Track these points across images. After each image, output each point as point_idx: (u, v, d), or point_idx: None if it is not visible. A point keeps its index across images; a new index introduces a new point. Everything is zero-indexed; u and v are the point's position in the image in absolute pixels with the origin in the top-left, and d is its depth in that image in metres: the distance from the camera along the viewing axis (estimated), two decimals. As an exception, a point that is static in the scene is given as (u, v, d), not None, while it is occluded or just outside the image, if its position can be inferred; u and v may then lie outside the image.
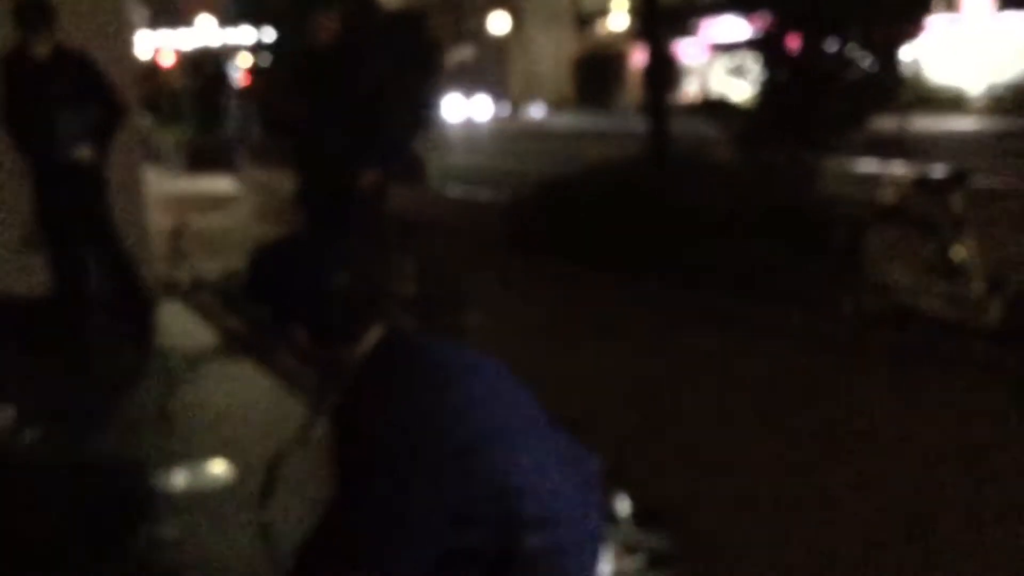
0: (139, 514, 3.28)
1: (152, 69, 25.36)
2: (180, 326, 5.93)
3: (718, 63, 7.58)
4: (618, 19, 39.31)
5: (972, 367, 4.77)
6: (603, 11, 40.37)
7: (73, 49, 5.20)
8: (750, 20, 7.11)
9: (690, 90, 35.11)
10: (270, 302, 1.94)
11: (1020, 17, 29.47)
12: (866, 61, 6.83)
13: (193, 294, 6.41)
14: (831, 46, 6.77)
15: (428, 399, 1.79)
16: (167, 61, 24.91)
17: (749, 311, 5.94)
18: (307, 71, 5.09)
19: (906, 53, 7.09)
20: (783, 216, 6.11)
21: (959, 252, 4.89)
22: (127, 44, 6.87)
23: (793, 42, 6.85)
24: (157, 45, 26.43)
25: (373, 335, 1.90)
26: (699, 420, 4.25)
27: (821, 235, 5.73)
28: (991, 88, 28.95)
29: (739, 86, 7.40)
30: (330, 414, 1.93)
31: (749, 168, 7.09)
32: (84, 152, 5.07)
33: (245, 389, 4.79)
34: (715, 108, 7.78)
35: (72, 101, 5.05)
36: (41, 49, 5.01)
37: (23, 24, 4.97)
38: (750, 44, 7.19)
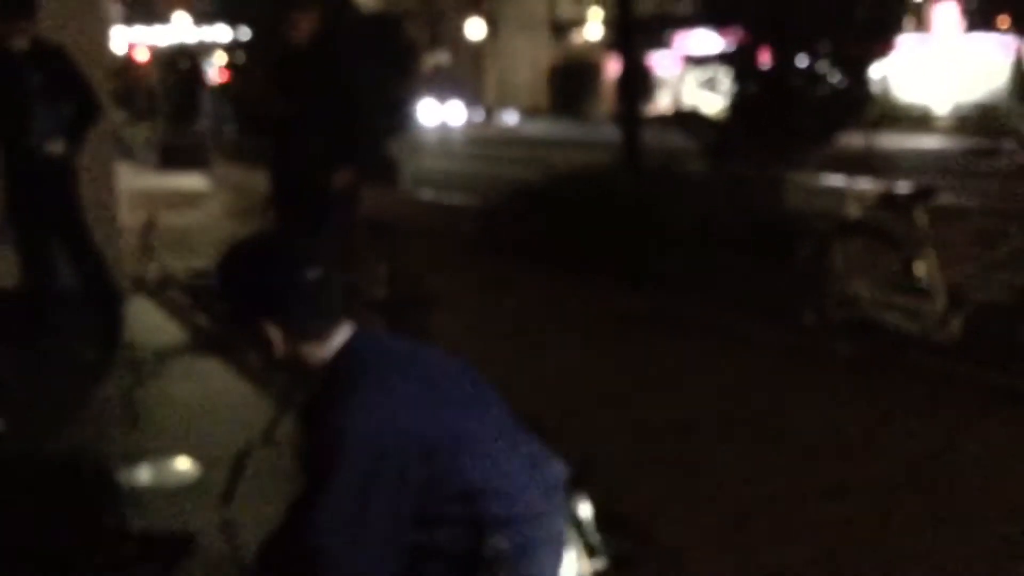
0: (103, 508, 3.28)
1: (126, 64, 25.16)
2: (148, 322, 5.91)
3: (691, 75, 7.65)
4: (593, 29, 39.53)
5: (932, 380, 4.86)
6: (578, 21, 40.57)
7: (50, 42, 5.18)
8: (722, 34, 7.20)
9: (663, 101, 35.37)
10: (240, 299, 1.96)
11: (987, 38, 30.07)
12: (836, 77, 6.94)
13: (162, 291, 6.39)
14: (802, 61, 6.87)
15: (396, 399, 1.82)
16: (142, 57, 24.72)
17: (715, 319, 6.01)
18: (282, 70, 5.11)
19: (875, 70, 7.21)
20: (751, 227, 6.20)
21: (921, 267, 4.98)
22: (103, 39, 6.85)
23: (764, 56, 6.95)
24: (132, 41, 26.24)
25: (342, 334, 1.93)
26: (665, 426, 4.28)
27: (787, 247, 5.81)
28: (958, 107, 29.49)
29: (711, 98, 7.49)
30: (298, 412, 1.95)
31: (719, 179, 7.19)
32: (57, 147, 5.05)
33: (212, 386, 4.79)
34: (687, 119, 7.87)
35: (47, 95, 5.03)
36: (18, 41, 4.99)
37: (1, 15, 4.95)
38: (722, 57, 7.28)
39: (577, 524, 2.33)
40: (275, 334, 1.91)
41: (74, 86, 5.13)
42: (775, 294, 5.90)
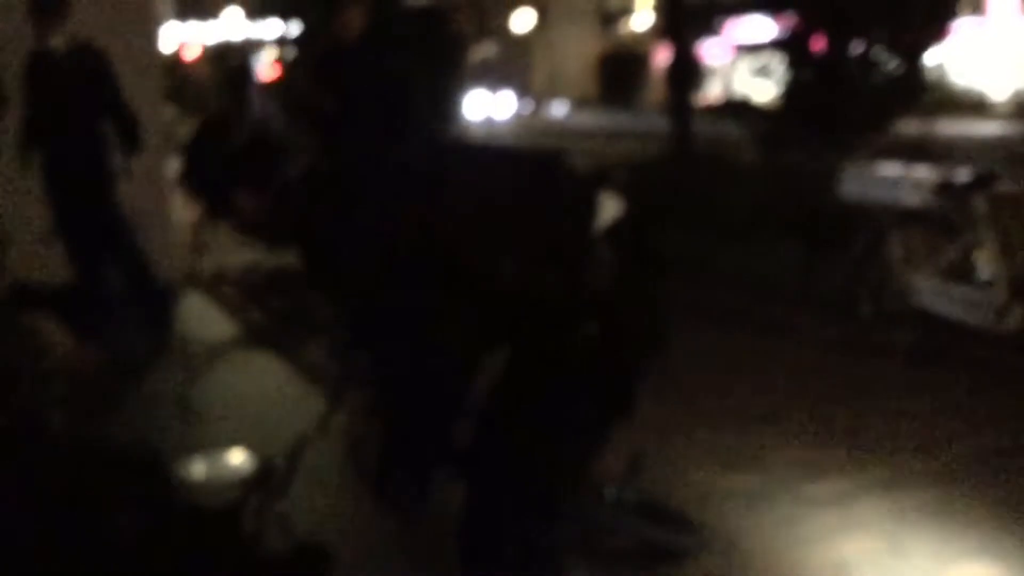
0: (159, 501, 3.32)
1: (177, 61, 25.55)
2: (202, 317, 6.00)
3: (742, 64, 7.57)
4: (642, 18, 39.22)
5: (992, 372, 4.76)
6: (627, 10, 40.30)
7: (89, 44, 5.24)
8: (776, 20, 7.08)
9: (714, 90, 35.05)
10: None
11: None
12: (891, 64, 6.80)
13: (215, 286, 6.47)
14: (856, 48, 6.74)
15: None
16: (192, 53, 25.10)
17: (770, 311, 5.94)
18: (332, 65, 5.12)
19: (931, 56, 7.05)
20: (805, 217, 6.11)
21: (981, 257, 4.87)
22: (153, 35, 6.95)
23: (818, 44, 6.83)
24: (183, 37, 26.63)
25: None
26: (720, 420, 4.25)
27: (843, 237, 5.71)
28: (1016, 93, 28.81)
29: (762, 87, 7.39)
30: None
31: (771, 169, 7.09)
32: (123, 164, 5.18)
33: (265, 380, 4.84)
34: (738, 109, 7.78)
35: (84, 99, 5.11)
36: (55, 41, 5.07)
37: (36, 16, 5.02)
38: (774, 45, 7.17)
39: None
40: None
41: (110, 95, 5.19)
42: (831, 285, 5.81)
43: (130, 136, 5.32)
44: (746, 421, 4.22)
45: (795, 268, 6.21)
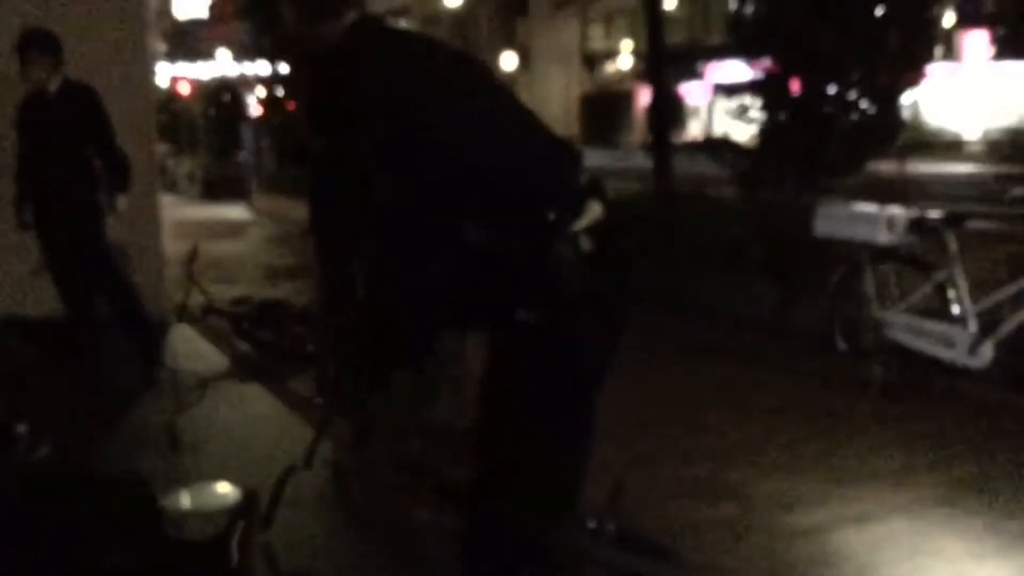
0: (144, 532, 3.37)
1: (170, 98, 25.75)
2: (191, 349, 6.06)
3: (721, 104, 7.74)
4: (625, 59, 39.84)
5: (965, 406, 4.87)
6: (610, 52, 40.96)
7: (81, 85, 5.35)
8: (752, 65, 7.26)
9: (694, 129, 35.64)
10: None
11: (1017, 66, 30.05)
12: (866, 106, 6.97)
13: (204, 318, 6.55)
14: (832, 91, 6.92)
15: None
16: (184, 90, 25.28)
17: (749, 344, 6.05)
18: (318, 104, 5.24)
19: (906, 98, 7.23)
20: (782, 253, 6.24)
21: (953, 293, 4.99)
22: (146, 73, 7.08)
23: (794, 86, 7.00)
24: (175, 75, 26.82)
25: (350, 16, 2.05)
26: (699, 452, 4.32)
27: (818, 273, 5.83)
28: (988, 134, 29.41)
29: (741, 127, 7.56)
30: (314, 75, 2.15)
31: (750, 206, 7.24)
32: (120, 204, 5.29)
33: (252, 412, 4.90)
34: (718, 147, 7.93)
35: (74, 138, 5.20)
36: (48, 80, 5.17)
37: (25, 54, 5.13)
38: (752, 86, 7.34)
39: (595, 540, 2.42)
40: (289, 13, 2.05)
41: (99, 132, 5.29)
42: (808, 320, 5.93)
43: (120, 175, 5.41)
44: (724, 453, 4.29)
45: (772, 303, 6.34)
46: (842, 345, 5.48)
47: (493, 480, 2.04)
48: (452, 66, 2.07)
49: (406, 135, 1.91)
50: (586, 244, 1.98)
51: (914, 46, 6.98)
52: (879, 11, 6.81)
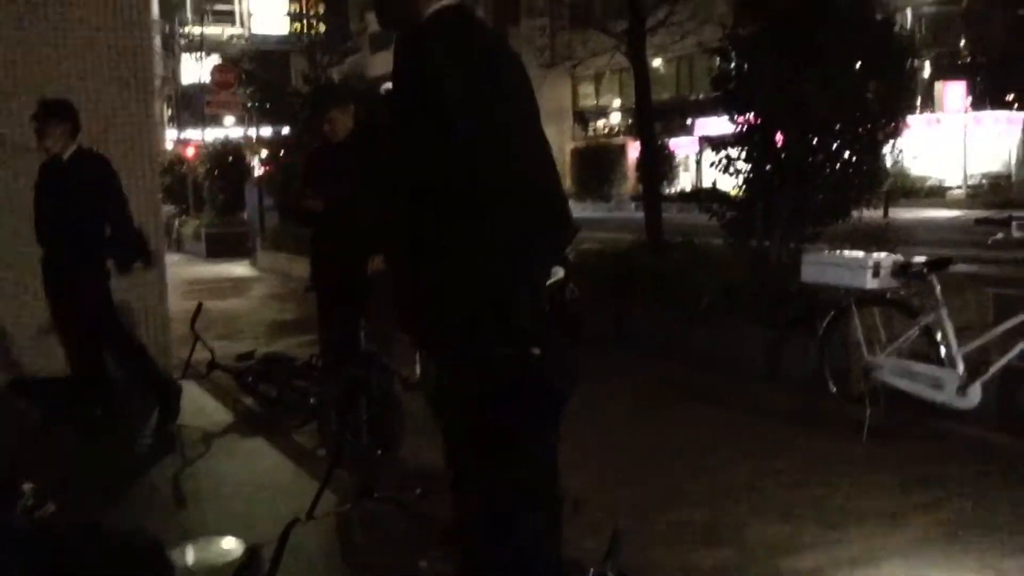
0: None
1: (176, 160, 26.10)
2: (196, 405, 6.15)
3: (709, 156, 7.90)
4: (617, 114, 40.58)
5: (955, 447, 4.94)
6: (602, 109, 41.84)
7: (94, 154, 5.54)
8: (739, 119, 7.46)
9: (684, 181, 36.26)
10: None
11: (995, 115, 30.90)
12: (850, 156, 7.14)
13: (209, 374, 6.66)
14: (816, 142, 7.09)
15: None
16: (189, 153, 25.64)
17: (741, 390, 6.15)
18: (321, 164, 5.42)
19: (888, 148, 7.41)
20: (772, 300, 6.36)
21: (939, 336, 5.09)
22: (154, 140, 7.29)
23: (779, 138, 7.18)
24: (181, 138, 27.21)
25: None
26: (693, 497, 4.37)
27: (808, 318, 5.95)
28: (970, 180, 30.04)
29: (728, 178, 7.72)
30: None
31: (739, 254, 7.38)
32: (138, 264, 5.45)
33: (257, 466, 4.94)
34: (707, 198, 8.10)
35: (85, 205, 5.34)
36: (62, 148, 5.35)
37: (43, 124, 5.31)
38: (738, 139, 7.52)
39: None
40: None
41: (111, 200, 5.44)
42: (799, 364, 6.04)
43: (132, 243, 5.55)
44: (719, 497, 4.35)
45: (763, 348, 6.44)
46: (832, 389, 5.58)
47: (473, 519, 2.13)
48: (523, 80, 2.18)
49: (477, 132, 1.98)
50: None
51: (894, 98, 7.17)
52: (859, 65, 7.02)
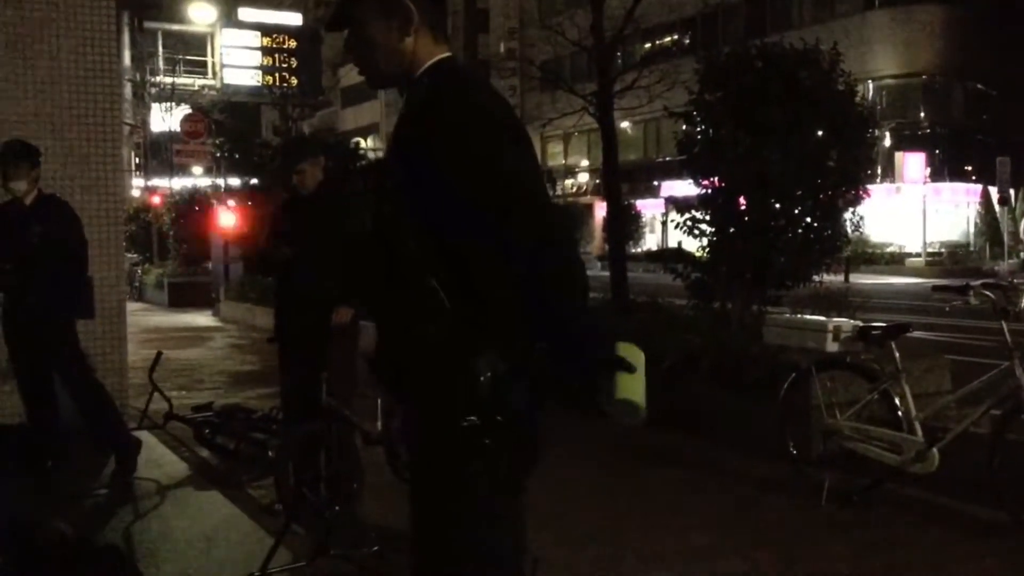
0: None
1: (141, 207, 25.98)
2: (151, 456, 6.05)
3: (674, 217, 8.01)
4: (584, 175, 41.24)
5: (913, 511, 4.97)
6: (570, 168, 42.43)
7: (55, 199, 5.51)
8: (701, 183, 7.59)
9: (650, 241, 36.81)
10: None
11: (952, 188, 31.85)
12: (811, 222, 7.28)
13: (165, 425, 6.56)
14: (778, 207, 7.23)
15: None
16: (155, 201, 25.54)
17: (702, 451, 6.15)
18: (288, 215, 5.41)
19: (849, 214, 7.56)
20: (734, 361, 6.40)
21: (897, 400, 5.15)
22: (119, 186, 7.26)
23: (742, 202, 7.31)
24: (148, 186, 27.10)
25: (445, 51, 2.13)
26: (652, 558, 4.36)
27: (770, 380, 5.99)
28: (928, 248, 30.79)
29: (693, 239, 7.83)
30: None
31: (703, 315, 7.45)
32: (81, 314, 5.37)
33: (211, 520, 4.86)
34: (672, 258, 8.19)
35: (44, 249, 5.29)
36: (24, 192, 5.32)
37: (7, 166, 5.28)
38: (702, 201, 7.64)
39: None
40: (414, 17, 2.05)
41: (70, 246, 5.39)
42: (760, 426, 6.06)
43: (82, 295, 5.49)
44: (680, 561, 4.34)
45: (725, 410, 6.47)
46: (793, 451, 5.61)
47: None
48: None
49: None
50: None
51: (855, 166, 7.34)
52: (820, 133, 7.19)
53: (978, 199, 32.93)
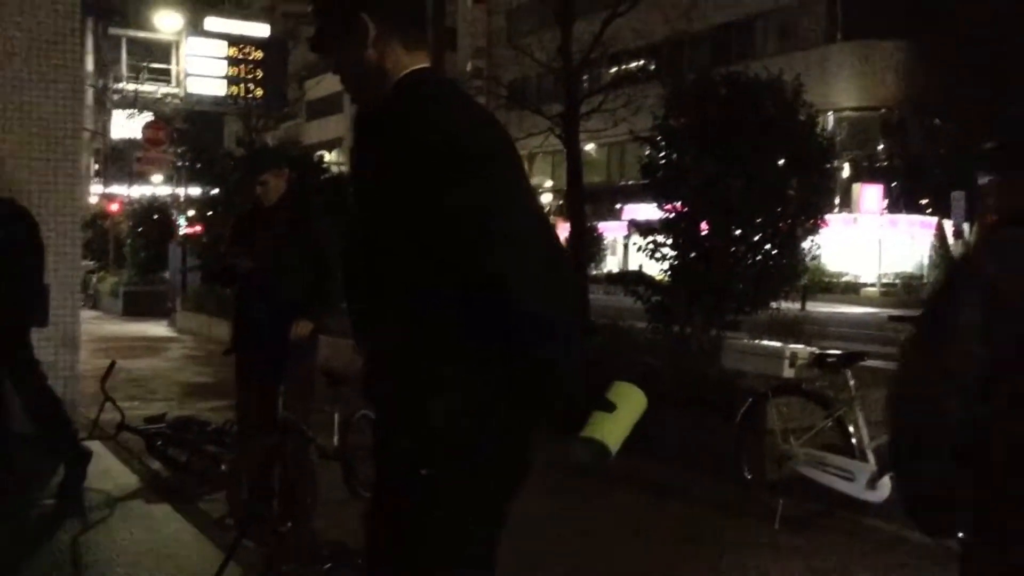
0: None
1: (99, 215, 25.64)
2: (101, 467, 5.95)
3: (636, 240, 8.06)
4: (548, 195, 41.44)
5: (865, 539, 5.02)
6: (536, 189, 42.41)
7: (15, 205, 5.42)
8: (663, 207, 7.66)
9: (612, 263, 37.05)
10: None
11: (908, 219, 32.53)
12: (770, 250, 7.37)
13: (116, 436, 6.45)
14: (737, 234, 7.32)
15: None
16: (113, 208, 25.23)
17: (657, 474, 6.17)
18: (249, 226, 5.36)
19: (807, 242, 7.67)
20: (692, 385, 6.44)
21: (851, 427, 5.21)
22: (77, 194, 7.16)
23: (702, 228, 7.39)
24: (107, 193, 26.76)
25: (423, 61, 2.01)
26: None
27: (727, 405, 6.04)
28: (883, 278, 31.39)
29: (654, 263, 7.88)
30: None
31: (662, 338, 7.50)
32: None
33: (161, 532, 4.79)
34: (633, 281, 8.24)
35: (6, 259, 5.23)
36: None
37: None
38: (664, 225, 7.71)
39: None
40: (370, 30, 1.94)
41: (28, 254, 5.32)
42: (716, 450, 6.10)
43: (37, 304, 5.42)
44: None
45: (682, 433, 6.50)
46: (748, 476, 5.65)
47: None
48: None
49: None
50: None
51: (813, 196, 7.46)
52: (781, 162, 7.30)
53: (933, 231, 33.53)
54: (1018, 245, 1.72)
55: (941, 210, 32.80)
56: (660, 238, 7.69)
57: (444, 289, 1.82)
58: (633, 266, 8.16)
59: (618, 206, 34.02)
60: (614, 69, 27.95)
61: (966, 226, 31.79)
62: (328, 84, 30.11)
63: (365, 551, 2.07)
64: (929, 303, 1.90)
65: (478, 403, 1.86)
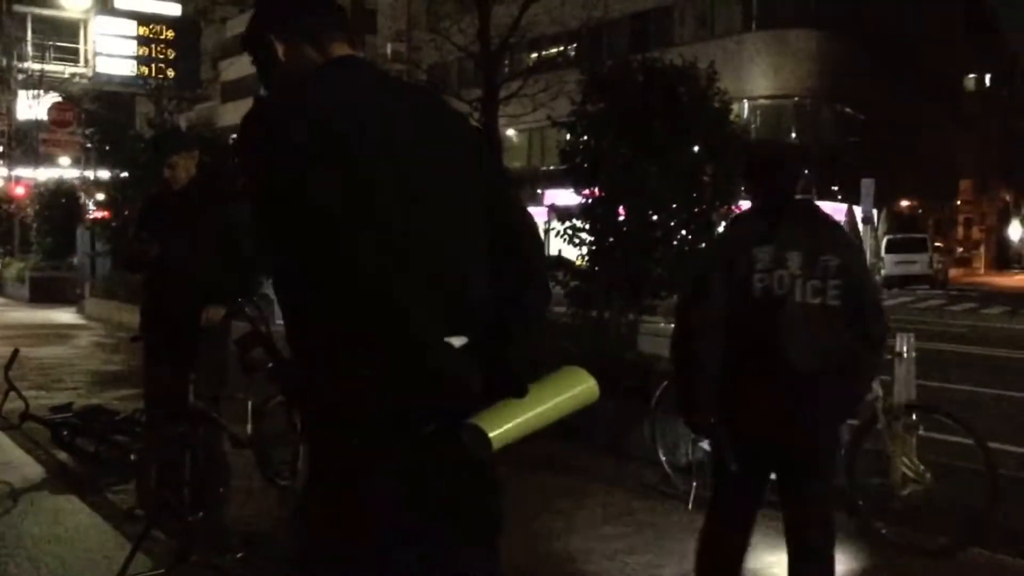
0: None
1: (4, 198, 24.74)
2: (5, 458, 5.78)
3: (555, 225, 8.09)
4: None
5: (775, 518, 5.13)
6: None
7: None
8: (581, 192, 7.70)
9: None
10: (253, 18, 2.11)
11: (832, 207, 33.29)
12: (687, 234, 7.48)
13: (22, 425, 6.25)
14: (654, 219, 7.41)
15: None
16: (19, 192, 24.37)
17: (574, 457, 6.22)
18: (159, 210, 5.23)
19: (721, 228, 7.79)
20: (609, 370, 6.49)
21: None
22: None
23: (620, 213, 7.46)
24: (11, 176, 25.86)
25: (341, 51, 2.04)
26: (521, 563, 4.38)
27: (643, 388, 6.11)
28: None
29: (574, 248, 7.93)
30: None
31: (581, 323, 7.55)
32: None
33: (67, 524, 4.70)
34: (552, 266, 8.28)
35: None
36: None
37: None
38: (583, 210, 7.76)
39: None
40: (277, 47, 2.03)
41: None
42: (635, 434, 6.18)
43: None
44: (552, 563, 4.39)
45: (600, 417, 6.56)
46: (663, 458, 5.73)
47: None
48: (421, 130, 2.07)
49: None
50: None
51: (728, 182, 7.58)
52: (696, 149, 7.41)
53: (844, 218, 34.49)
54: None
55: (851, 197, 33.75)
56: (578, 223, 7.73)
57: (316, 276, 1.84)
58: (553, 251, 8.16)
59: (539, 191, 34.18)
60: (533, 55, 28.02)
61: (874, 212, 32.77)
62: (243, 66, 29.51)
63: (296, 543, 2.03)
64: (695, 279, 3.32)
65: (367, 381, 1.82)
